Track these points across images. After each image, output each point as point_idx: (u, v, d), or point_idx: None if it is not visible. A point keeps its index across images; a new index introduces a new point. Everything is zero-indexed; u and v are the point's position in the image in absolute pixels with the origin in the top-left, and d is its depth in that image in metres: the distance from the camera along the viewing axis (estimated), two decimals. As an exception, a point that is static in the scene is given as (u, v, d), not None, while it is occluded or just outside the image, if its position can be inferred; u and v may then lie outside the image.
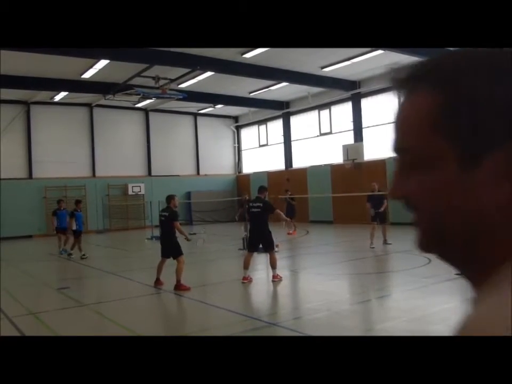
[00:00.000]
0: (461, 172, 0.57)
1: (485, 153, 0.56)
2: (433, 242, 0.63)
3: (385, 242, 13.05)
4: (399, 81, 0.64)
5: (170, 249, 8.70)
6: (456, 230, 0.60)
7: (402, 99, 0.64)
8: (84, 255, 13.49)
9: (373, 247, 12.60)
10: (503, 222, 0.57)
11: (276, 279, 8.84)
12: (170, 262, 8.74)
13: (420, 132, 0.60)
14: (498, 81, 0.57)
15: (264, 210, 8.93)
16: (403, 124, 0.63)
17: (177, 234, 8.81)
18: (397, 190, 0.64)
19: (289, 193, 19.44)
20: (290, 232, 17.68)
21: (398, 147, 0.64)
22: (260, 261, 10.90)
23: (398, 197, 0.64)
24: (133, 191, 24.76)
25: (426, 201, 0.61)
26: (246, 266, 8.85)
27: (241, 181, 28.43)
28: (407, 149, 0.62)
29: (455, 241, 0.61)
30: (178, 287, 8.37)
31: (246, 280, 8.79)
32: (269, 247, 8.91)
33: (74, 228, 13.89)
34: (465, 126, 0.57)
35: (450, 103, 0.58)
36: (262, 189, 9.26)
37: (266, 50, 15.53)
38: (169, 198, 8.97)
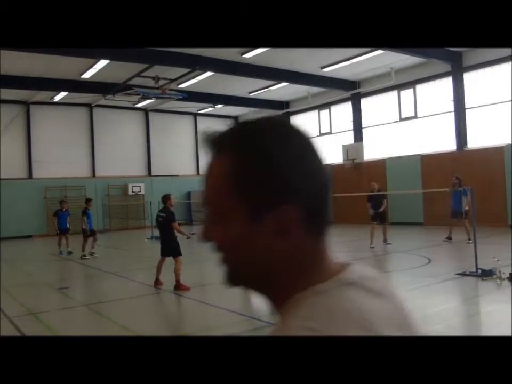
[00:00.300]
0: (250, 225, 0.71)
1: (266, 212, 0.70)
2: (236, 278, 0.77)
3: (385, 242, 13.06)
4: (208, 144, 0.76)
5: (170, 248, 8.72)
6: (251, 270, 0.74)
7: (210, 159, 0.76)
8: (84, 255, 13.47)
9: (373, 247, 12.59)
10: (284, 266, 0.72)
11: (275, 279, 8.83)
12: (169, 262, 8.74)
13: (220, 190, 0.73)
14: (276, 154, 0.70)
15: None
16: (209, 182, 0.75)
17: (177, 233, 8.84)
18: (206, 235, 0.77)
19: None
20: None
21: (205, 200, 0.76)
22: (260, 261, 10.89)
23: (207, 240, 0.77)
24: (133, 191, 24.74)
25: (227, 246, 0.74)
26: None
27: (241, 181, 28.39)
28: (211, 203, 0.75)
29: (252, 279, 0.75)
30: (178, 287, 8.37)
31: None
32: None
33: (84, 226, 13.84)
34: (250, 189, 0.70)
35: (239, 170, 0.71)
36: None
37: (266, 50, 15.51)
38: (166, 198, 9.00)
